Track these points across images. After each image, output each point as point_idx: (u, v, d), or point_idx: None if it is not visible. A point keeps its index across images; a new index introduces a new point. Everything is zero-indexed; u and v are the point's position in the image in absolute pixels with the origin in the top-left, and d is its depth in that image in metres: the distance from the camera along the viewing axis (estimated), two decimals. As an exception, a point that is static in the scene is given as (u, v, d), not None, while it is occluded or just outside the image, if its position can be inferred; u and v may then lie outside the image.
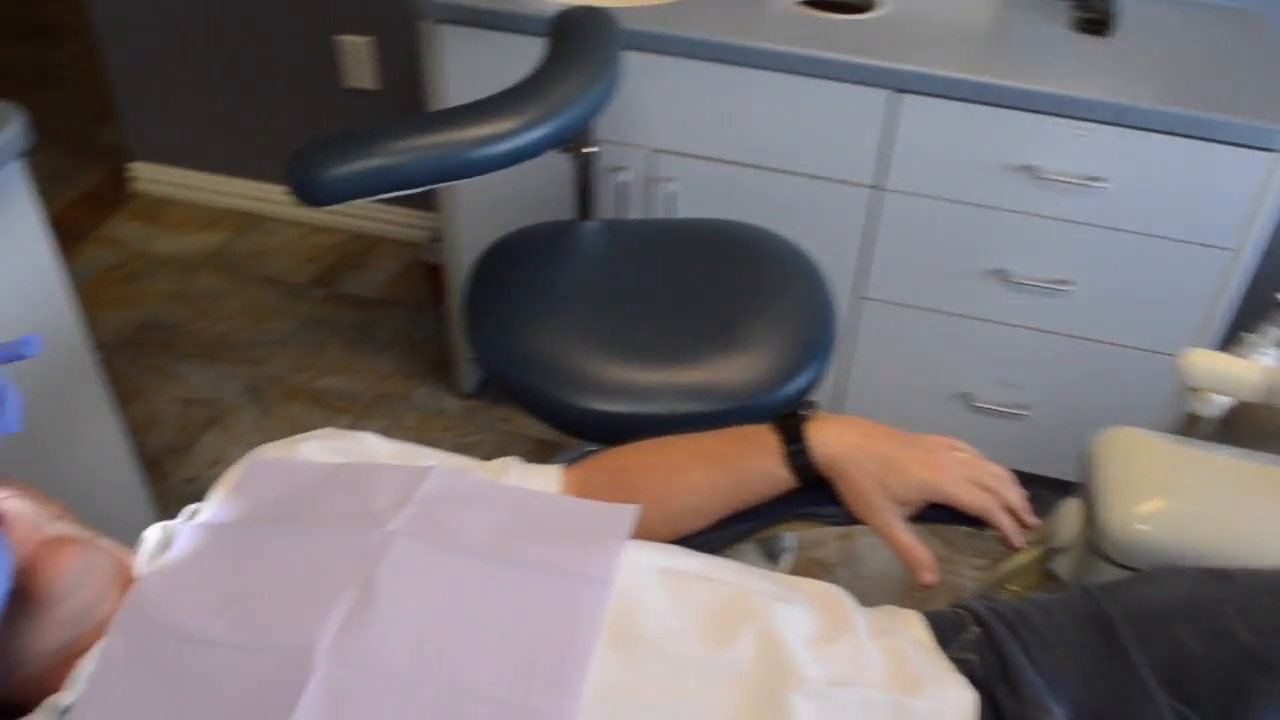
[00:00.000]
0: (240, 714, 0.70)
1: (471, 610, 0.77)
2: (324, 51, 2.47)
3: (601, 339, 1.35)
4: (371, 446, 0.98)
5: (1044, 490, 1.31)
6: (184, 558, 0.82)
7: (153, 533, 0.87)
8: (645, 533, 0.89)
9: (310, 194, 1.21)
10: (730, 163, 1.80)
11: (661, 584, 0.81)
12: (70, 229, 2.80)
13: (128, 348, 2.40)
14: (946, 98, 1.63)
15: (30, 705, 0.77)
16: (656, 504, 0.94)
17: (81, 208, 2.90)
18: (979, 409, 1.93)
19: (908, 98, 1.64)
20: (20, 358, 0.87)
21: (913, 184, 1.73)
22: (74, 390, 1.62)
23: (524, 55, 1.52)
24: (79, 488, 1.66)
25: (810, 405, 0.98)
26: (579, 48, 1.43)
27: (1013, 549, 0.94)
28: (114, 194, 2.94)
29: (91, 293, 2.57)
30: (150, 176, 2.90)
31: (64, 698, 0.75)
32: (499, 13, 1.72)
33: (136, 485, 1.79)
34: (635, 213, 1.88)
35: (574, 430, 1.33)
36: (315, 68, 2.51)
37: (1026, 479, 1.03)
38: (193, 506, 0.93)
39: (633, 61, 1.70)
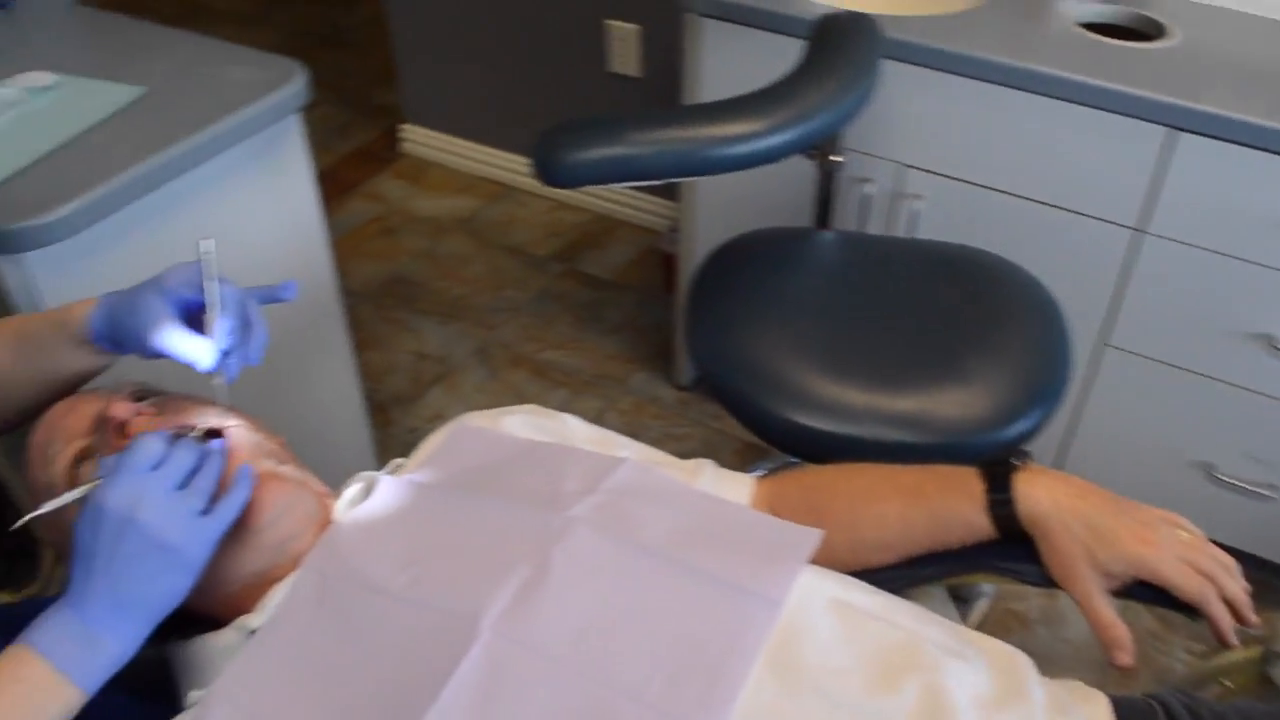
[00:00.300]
0: (403, 665, 0.73)
1: (637, 608, 0.77)
2: (593, 35, 2.53)
3: (816, 352, 1.32)
4: (572, 429, 1.00)
5: (1281, 582, 1.19)
6: (380, 510, 0.86)
7: (356, 482, 0.91)
8: (828, 559, 0.87)
9: (551, 175, 1.25)
10: (982, 186, 1.72)
11: (833, 615, 0.79)
12: (340, 181, 3.00)
13: (374, 298, 2.55)
14: (1230, 141, 1.50)
15: (223, 621, 0.83)
16: (844, 530, 0.92)
17: (353, 162, 3.09)
18: (1220, 482, 1.77)
19: (1186, 137, 1.52)
20: (277, 300, 0.93)
21: (1179, 230, 1.61)
22: (320, 331, 1.73)
23: (783, 55, 1.50)
24: (311, 421, 1.78)
25: (1024, 455, 0.92)
26: (838, 54, 1.40)
27: (1226, 645, 0.86)
28: (384, 152, 3.12)
29: (351, 243, 2.74)
30: (418, 139, 3.07)
31: (253, 620, 0.81)
32: (762, 11, 1.71)
33: (363, 427, 1.90)
34: (875, 227, 1.83)
35: (774, 440, 1.31)
36: (583, 50, 2.57)
37: (1265, 566, 0.93)
38: (398, 461, 0.97)
39: (892, 71, 1.65)
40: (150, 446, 0.76)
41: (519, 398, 2.22)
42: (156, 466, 0.76)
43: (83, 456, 0.86)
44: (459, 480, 0.89)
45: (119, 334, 0.89)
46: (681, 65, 1.88)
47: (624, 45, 2.50)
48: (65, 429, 0.89)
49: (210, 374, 0.85)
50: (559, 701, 0.71)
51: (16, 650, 0.71)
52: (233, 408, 0.89)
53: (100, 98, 1.45)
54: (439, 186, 2.96)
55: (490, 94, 2.84)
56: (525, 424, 0.98)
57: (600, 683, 0.72)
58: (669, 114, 1.29)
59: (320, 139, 3.18)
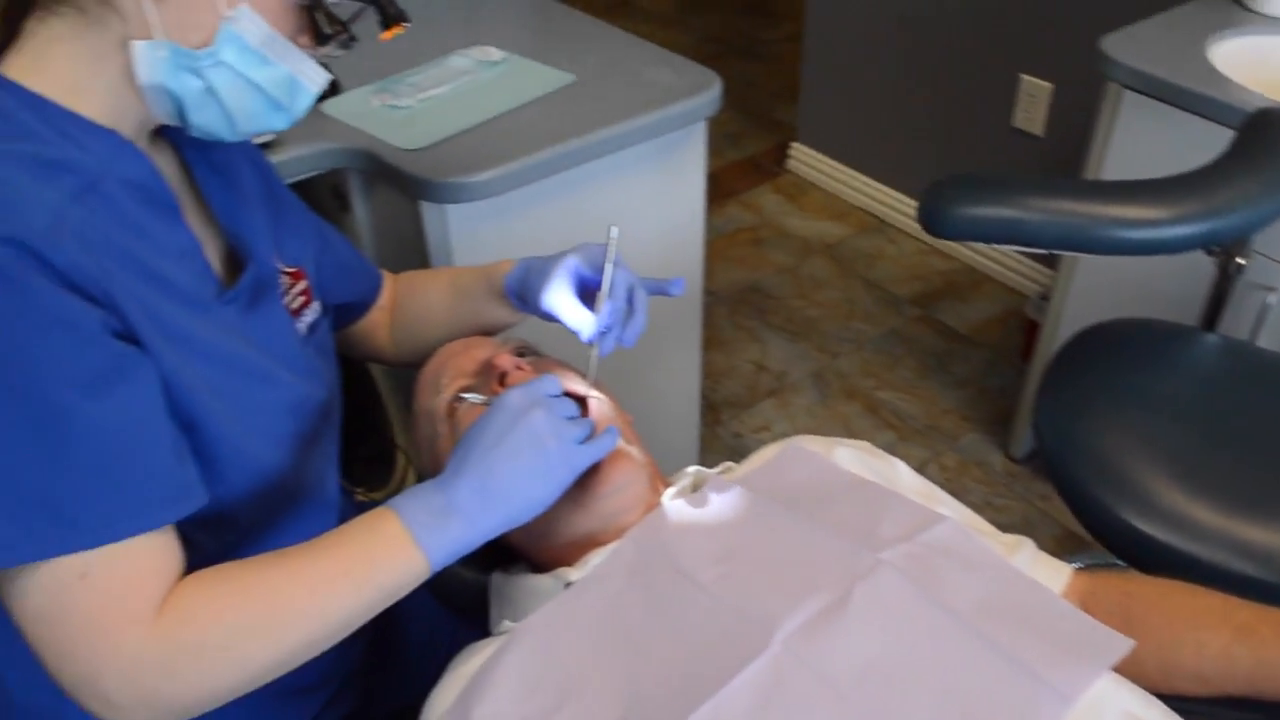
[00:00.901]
0: (693, 652, 0.78)
1: (926, 663, 0.77)
2: (1003, 87, 2.49)
3: (1173, 459, 1.25)
4: (900, 475, 1.01)
5: None
6: (704, 505, 0.91)
7: (689, 472, 0.97)
8: (1134, 673, 0.83)
9: (935, 224, 1.25)
10: None
11: (1128, 734, 0.76)
12: (723, 187, 3.12)
13: (730, 302, 2.65)
14: None
15: (544, 568, 0.92)
16: (1158, 649, 0.87)
17: (740, 171, 3.21)
18: None
19: None
20: (664, 293, 1.02)
21: None
22: (677, 325, 1.83)
23: (1202, 143, 1.42)
24: (649, 406, 1.88)
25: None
26: (1268, 152, 1.31)
27: None
28: (771, 166, 3.22)
29: (720, 246, 2.85)
30: (805, 159, 3.13)
31: (572, 574, 0.88)
32: (1193, 93, 1.62)
33: (693, 422, 1.98)
34: (1268, 341, 1.69)
35: (1104, 537, 1.25)
36: (988, 100, 2.53)
37: None
38: (728, 464, 1.03)
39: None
40: (552, 382, 0.85)
41: (846, 429, 2.24)
42: (563, 405, 0.85)
43: (462, 394, 0.97)
44: (781, 496, 0.92)
45: (526, 292, 1.00)
46: (1090, 132, 1.82)
47: (1033, 102, 2.43)
48: (455, 366, 1.01)
49: (588, 345, 0.95)
50: (830, 730, 0.73)
51: (381, 509, 0.80)
52: (597, 381, 0.97)
53: (536, 79, 1.61)
54: (815, 208, 3.02)
55: (885, 127, 2.85)
56: (856, 459, 1.00)
57: (874, 725, 0.74)
58: (1067, 185, 1.26)
59: (713, 143, 3.32)
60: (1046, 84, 2.39)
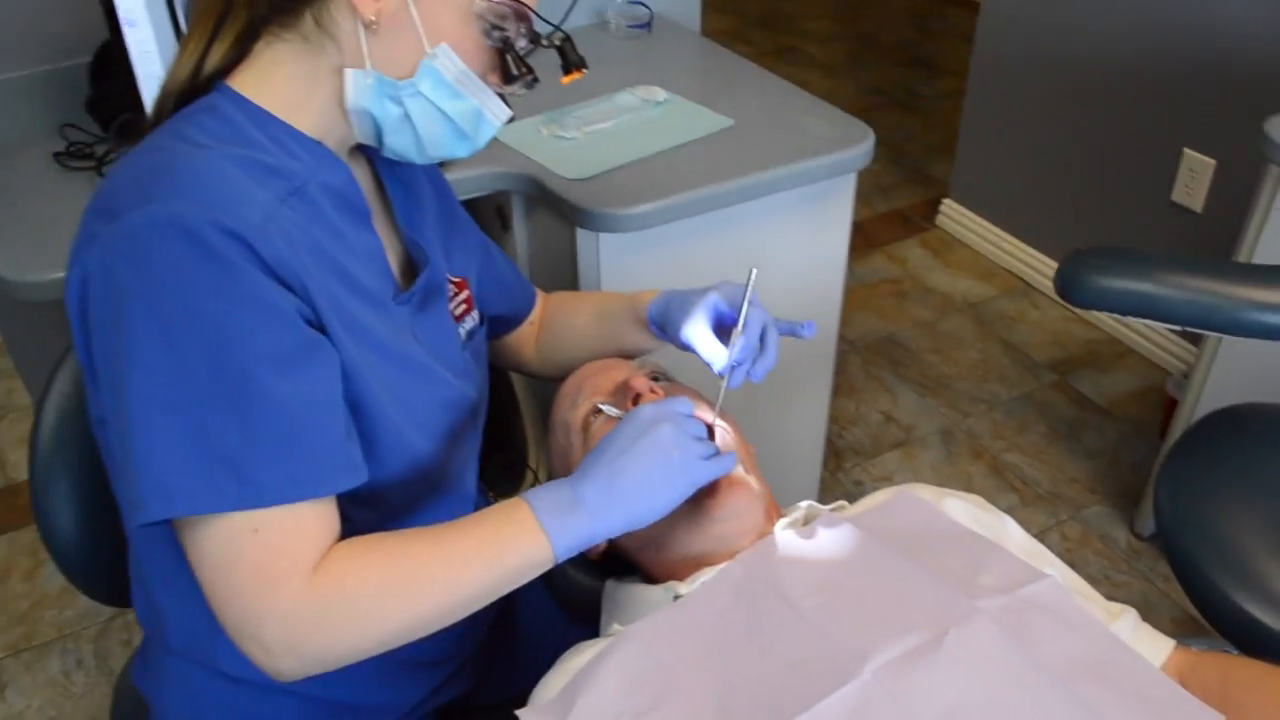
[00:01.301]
0: (787, 672, 0.83)
1: (1009, 712, 0.80)
2: (1164, 160, 2.46)
3: (1294, 548, 1.24)
4: (1009, 531, 1.04)
5: None
6: (813, 538, 0.96)
7: (803, 506, 1.03)
8: None
9: (1071, 293, 1.28)
10: None
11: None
12: (870, 236, 3.15)
13: (865, 351, 2.67)
14: None
15: (656, 580, 0.98)
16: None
17: (889, 222, 3.23)
18: None
19: None
20: (795, 335, 1.08)
21: None
22: (809, 368, 1.87)
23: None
24: (773, 441, 1.93)
25: None
26: None
27: None
28: (920, 221, 3.23)
29: (861, 295, 2.88)
30: (955, 216, 3.14)
31: (681, 588, 0.95)
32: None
33: (816, 465, 2.02)
34: None
35: (1216, 621, 1.25)
36: (1148, 172, 2.51)
37: None
38: (841, 501, 1.07)
39: None
40: (684, 403, 0.92)
41: (968, 488, 2.23)
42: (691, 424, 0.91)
43: (597, 410, 1.05)
44: (888, 537, 0.97)
45: (666, 322, 1.08)
46: (1248, 213, 1.80)
47: (1193, 178, 2.40)
48: (593, 384, 1.09)
49: (718, 376, 1.01)
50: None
51: (515, 499, 0.87)
52: (723, 412, 1.03)
53: (696, 120, 1.69)
54: (961, 266, 3.02)
55: (1039, 190, 2.84)
56: (965, 511, 1.04)
57: (953, 763, 0.77)
58: (1208, 264, 1.27)
59: (864, 193, 3.37)
60: (1210, 160, 2.35)
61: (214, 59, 0.88)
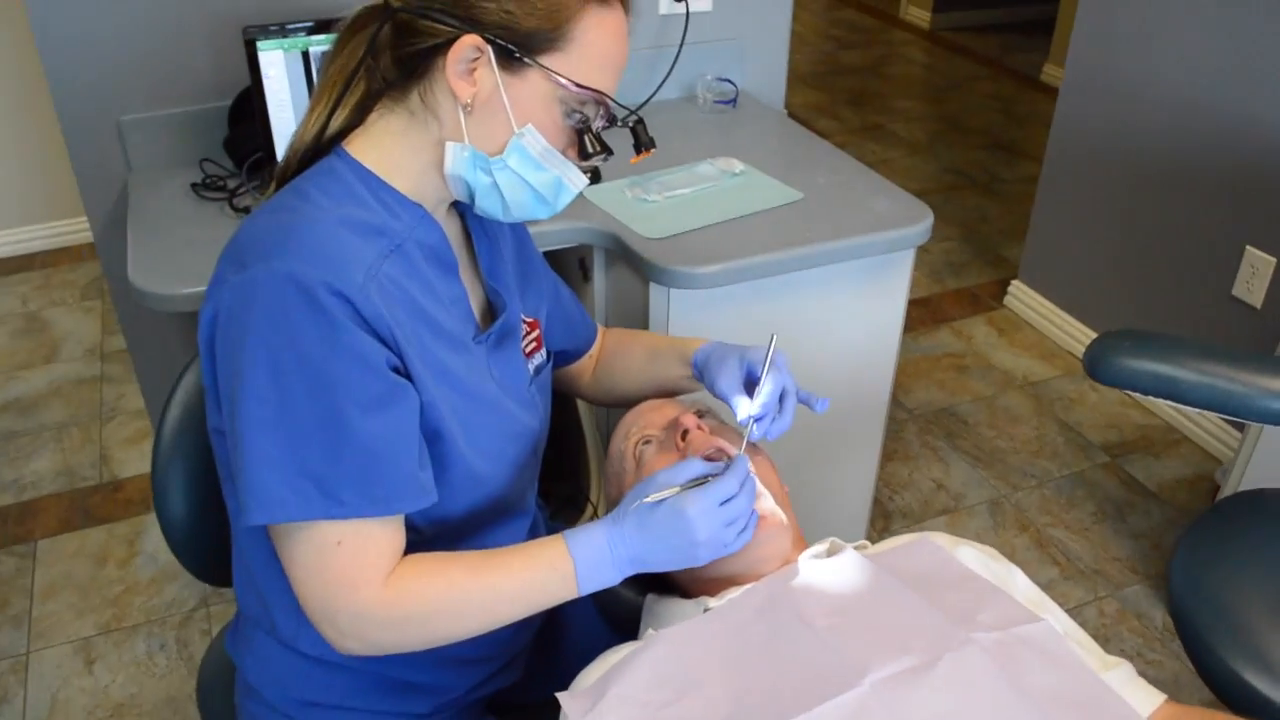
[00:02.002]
0: (795, 679, 0.95)
1: (989, 729, 0.91)
2: (1226, 256, 2.54)
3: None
4: (1016, 581, 1.14)
5: None
6: (834, 568, 1.08)
7: (825, 541, 1.14)
8: None
9: (1096, 369, 1.39)
10: None
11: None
12: (938, 311, 3.26)
13: (922, 420, 2.77)
14: None
15: (690, 595, 1.11)
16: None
17: (957, 299, 3.34)
18: None
19: None
20: (808, 405, 1.20)
21: None
22: (859, 429, 1.99)
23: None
24: (821, 499, 2.04)
25: None
26: None
27: None
28: (988, 300, 3.33)
29: (923, 366, 2.98)
30: (1022, 298, 3.23)
31: (711, 602, 1.07)
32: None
33: (862, 522, 2.13)
34: None
35: (1214, 687, 1.33)
36: (1210, 267, 2.58)
37: None
38: (864, 541, 1.19)
39: None
40: (729, 483, 1.03)
41: (1009, 558, 2.31)
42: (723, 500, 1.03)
43: (647, 440, 1.19)
44: (900, 574, 1.08)
45: (705, 370, 1.21)
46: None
47: (1254, 275, 2.47)
48: (647, 419, 1.22)
49: (741, 426, 1.14)
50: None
51: (559, 543, 1.02)
52: (758, 450, 1.16)
53: (768, 192, 1.83)
54: (1024, 346, 3.10)
55: (1106, 278, 2.93)
56: (977, 559, 1.14)
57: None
58: (1228, 353, 1.36)
59: (936, 269, 3.48)
60: (1271, 258, 2.43)
61: (335, 123, 1.04)
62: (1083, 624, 2.14)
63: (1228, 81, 2.44)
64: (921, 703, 0.92)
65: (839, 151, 2.03)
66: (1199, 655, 1.34)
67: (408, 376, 0.99)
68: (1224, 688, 1.32)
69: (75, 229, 3.64)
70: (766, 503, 1.12)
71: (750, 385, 1.17)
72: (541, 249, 1.80)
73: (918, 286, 3.40)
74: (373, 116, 1.04)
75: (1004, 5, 6.01)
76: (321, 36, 1.71)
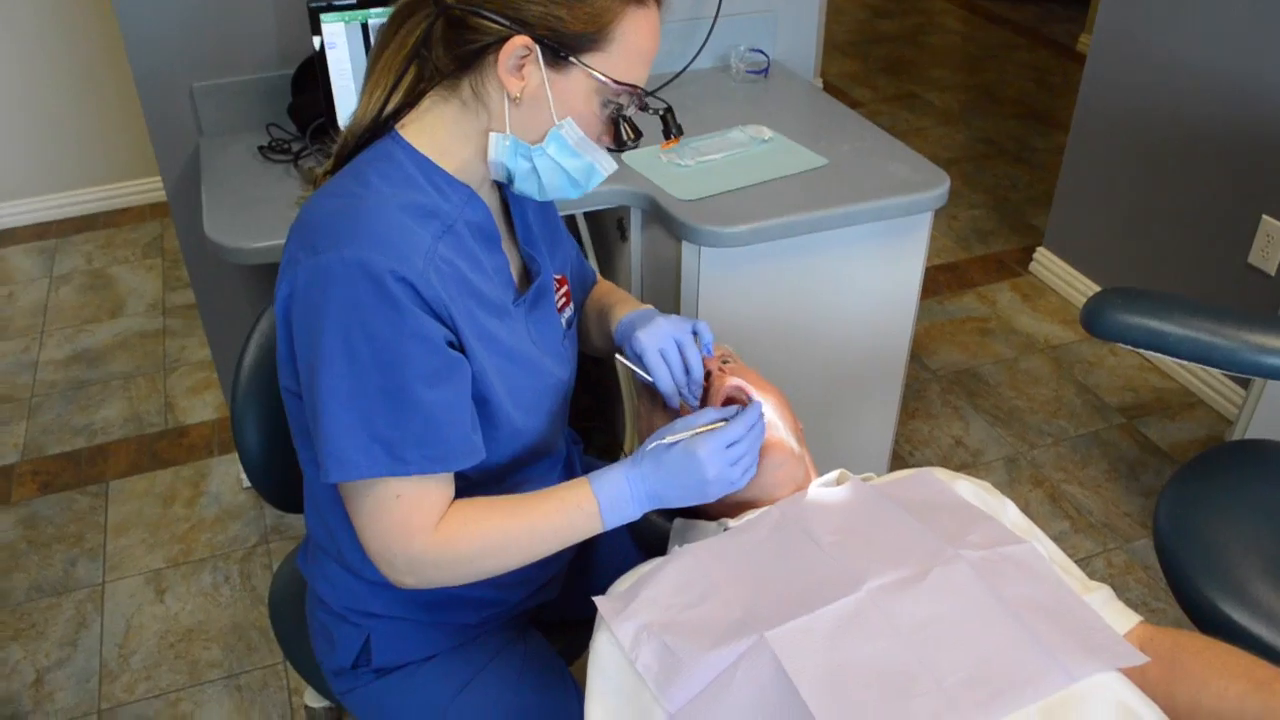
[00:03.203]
0: (802, 586, 1.07)
1: (971, 628, 1.03)
2: (1243, 224, 2.62)
3: (1267, 557, 1.42)
4: (1008, 511, 1.26)
5: None
6: (840, 494, 1.21)
7: (834, 472, 1.27)
8: (1164, 704, 1.04)
9: (1091, 322, 1.49)
10: None
11: (1112, 711, 0.99)
12: (965, 277, 3.35)
13: (945, 380, 2.88)
14: None
15: (713, 517, 1.24)
16: (1189, 690, 1.07)
17: (983, 265, 3.43)
18: None
19: None
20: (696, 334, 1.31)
21: None
22: (878, 386, 2.10)
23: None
24: (840, 450, 2.16)
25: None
26: None
27: None
28: (1014, 266, 3.42)
29: (948, 330, 3.09)
30: (1047, 264, 3.32)
31: (731, 523, 1.20)
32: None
33: (881, 470, 2.24)
34: None
35: (1195, 618, 1.44)
36: (1228, 235, 2.67)
37: None
38: (870, 474, 1.31)
39: None
40: (736, 428, 1.15)
41: (1024, 510, 2.42)
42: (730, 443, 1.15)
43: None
44: (901, 501, 1.20)
45: (627, 338, 1.32)
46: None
47: (1269, 243, 2.55)
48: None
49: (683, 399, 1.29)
50: (884, 655, 1.01)
51: (586, 490, 1.16)
52: (771, 386, 1.29)
53: (796, 158, 1.94)
54: (1047, 311, 3.20)
55: (1126, 245, 3.01)
56: (972, 491, 1.26)
57: (917, 660, 1.01)
58: (1214, 310, 1.46)
59: (963, 236, 3.57)
60: (1285, 229, 2.51)
61: (390, 107, 1.12)
62: (1091, 574, 2.26)
63: (1248, 52, 2.51)
64: (911, 606, 1.05)
65: (864, 120, 2.13)
66: (1180, 586, 1.45)
67: (461, 349, 1.10)
68: (1202, 617, 1.43)
69: (136, 190, 3.81)
70: (776, 433, 1.25)
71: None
72: (582, 210, 1.95)
73: (945, 252, 3.50)
74: (426, 103, 1.12)
75: (1043, -25, 6.03)
76: (379, 10, 1.84)
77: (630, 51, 1.08)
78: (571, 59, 1.06)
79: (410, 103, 1.13)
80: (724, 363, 1.34)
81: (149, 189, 3.80)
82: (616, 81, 1.08)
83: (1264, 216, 2.56)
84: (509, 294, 1.21)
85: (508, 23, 1.04)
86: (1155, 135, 2.83)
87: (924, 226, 1.93)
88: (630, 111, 1.15)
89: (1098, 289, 3.14)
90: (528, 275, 1.28)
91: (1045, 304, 3.23)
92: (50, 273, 3.46)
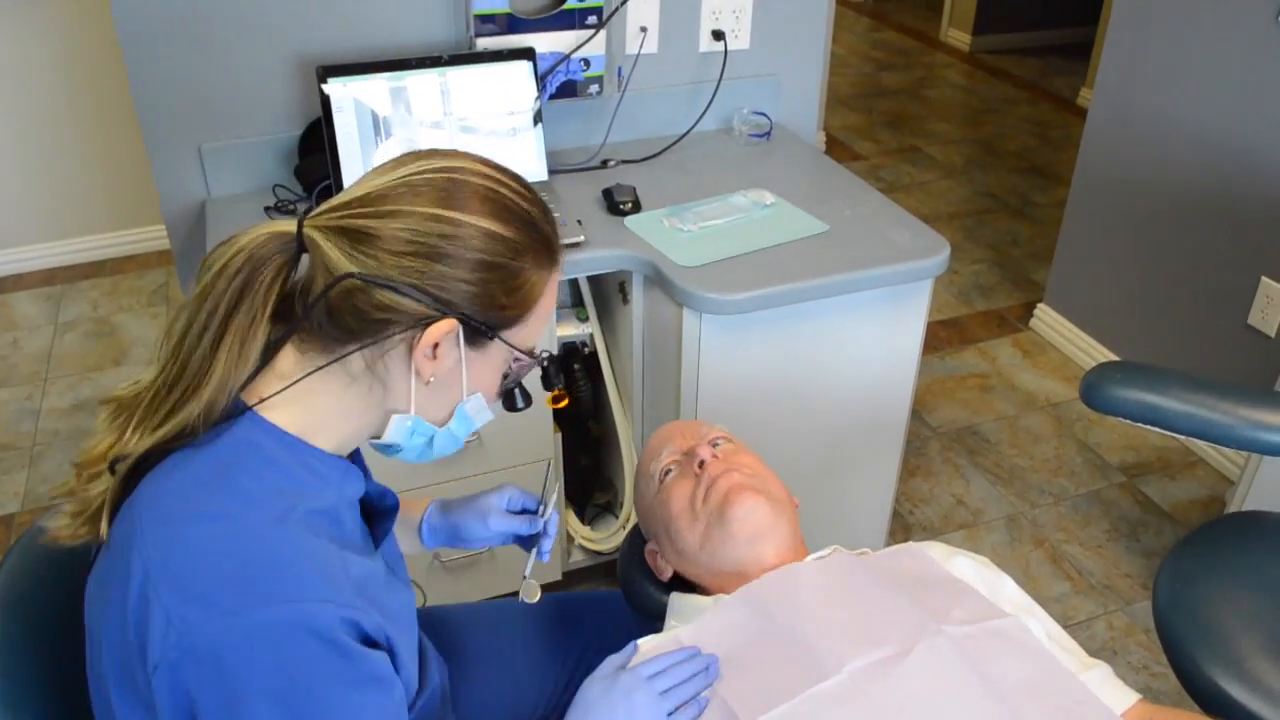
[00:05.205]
0: (785, 667, 1.07)
1: (950, 711, 1.03)
2: (1243, 287, 2.63)
3: (1267, 633, 1.42)
4: (1004, 587, 1.26)
5: None
6: (828, 568, 1.21)
7: (828, 550, 1.27)
8: None
9: (1090, 396, 1.51)
10: None
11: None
12: (965, 332, 3.36)
13: (945, 438, 2.88)
14: None
15: (708, 592, 1.25)
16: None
17: (984, 321, 3.44)
18: None
19: None
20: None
21: None
22: (880, 444, 2.11)
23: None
24: (841, 511, 2.16)
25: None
26: None
27: None
28: (1015, 322, 3.43)
29: (948, 386, 3.10)
30: (1048, 321, 3.33)
31: (723, 597, 1.20)
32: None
33: (880, 535, 2.25)
34: None
35: (1192, 692, 1.44)
36: (1227, 296, 2.68)
37: None
38: (865, 549, 1.32)
39: None
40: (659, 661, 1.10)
41: (1025, 572, 2.43)
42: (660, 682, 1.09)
43: (668, 470, 1.33)
44: (890, 576, 1.21)
45: (457, 525, 1.30)
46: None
47: (1269, 305, 2.56)
48: (672, 444, 1.36)
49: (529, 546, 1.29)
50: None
51: None
52: (768, 471, 1.30)
53: (796, 223, 1.96)
54: (1048, 368, 3.20)
55: (1127, 304, 3.03)
56: (970, 568, 1.26)
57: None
58: (1213, 385, 1.47)
59: (965, 291, 3.59)
60: (1284, 291, 2.52)
61: (242, 379, 0.92)
62: (1091, 637, 2.26)
63: (1246, 115, 2.54)
64: (894, 689, 1.05)
65: (866, 185, 2.15)
66: (1180, 663, 1.45)
67: (391, 652, 0.95)
68: (1201, 693, 1.43)
69: (142, 238, 3.84)
70: (736, 478, 1.26)
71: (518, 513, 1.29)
72: (585, 274, 1.97)
73: (946, 308, 3.51)
74: (288, 367, 0.94)
75: (1044, 28, 6.09)
76: (387, 74, 1.87)
77: (542, 317, 1.01)
78: (494, 336, 0.96)
79: (261, 366, 0.94)
80: (714, 445, 1.34)
81: (156, 236, 3.83)
82: (529, 353, 1.02)
83: (1263, 278, 2.57)
84: (369, 544, 1.06)
85: (431, 301, 0.91)
86: (1155, 194, 2.86)
87: (925, 292, 1.94)
88: (525, 374, 1.07)
89: (1098, 345, 3.15)
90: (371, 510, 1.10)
91: (1046, 360, 3.24)
92: (55, 319, 3.48)
